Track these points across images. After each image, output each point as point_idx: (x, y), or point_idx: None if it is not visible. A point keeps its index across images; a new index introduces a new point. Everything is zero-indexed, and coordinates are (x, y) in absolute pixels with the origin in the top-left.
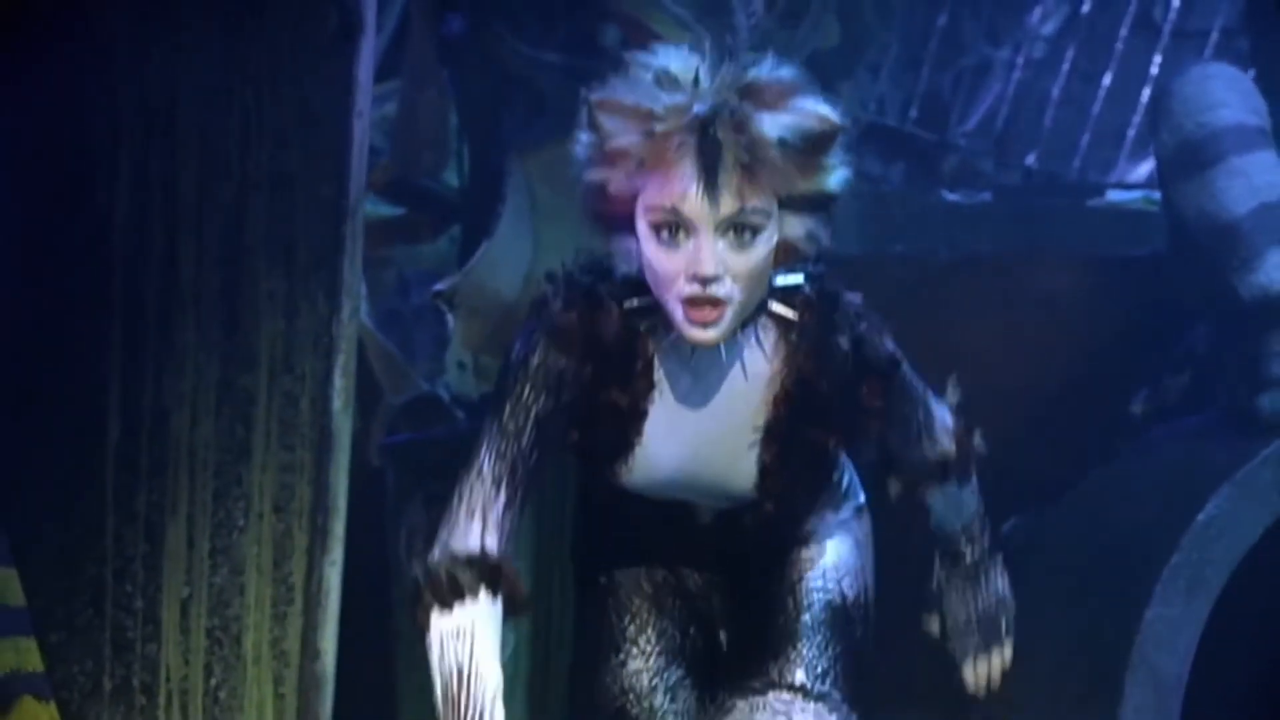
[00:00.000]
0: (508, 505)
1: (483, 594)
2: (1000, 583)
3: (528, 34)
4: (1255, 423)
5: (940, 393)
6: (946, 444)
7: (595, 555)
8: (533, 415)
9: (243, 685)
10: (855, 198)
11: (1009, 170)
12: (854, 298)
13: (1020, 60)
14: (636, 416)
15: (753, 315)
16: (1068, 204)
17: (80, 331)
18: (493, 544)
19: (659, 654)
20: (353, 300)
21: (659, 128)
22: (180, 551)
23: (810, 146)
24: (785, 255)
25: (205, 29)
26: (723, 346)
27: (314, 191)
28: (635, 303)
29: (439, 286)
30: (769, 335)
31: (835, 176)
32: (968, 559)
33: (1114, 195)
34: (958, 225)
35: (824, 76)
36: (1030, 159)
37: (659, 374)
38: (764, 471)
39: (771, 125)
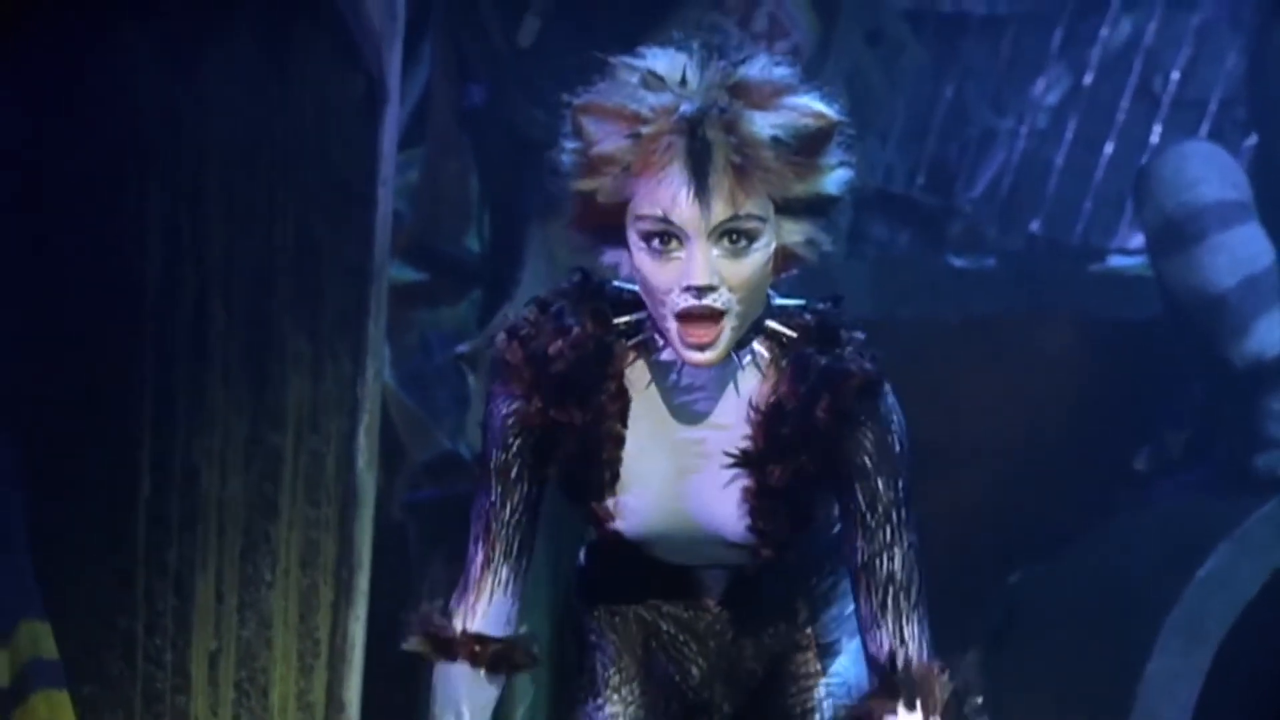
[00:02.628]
0: (500, 584)
1: (467, 665)
2: None
3: (546, 103)
4: (1253, 480)
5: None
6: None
7: (592, 614)
8: (511, 478)
9: None
10: (864, 262)
11: (1013, 236)
12: (858, 335)
13: (1024, 129)
14: (610, 441)
15: (748, 335)
16: (1070, 269)
17: (112, 392)
18: (480, 625)
19: (639, 705)
20: (377, 362)
21: (645, 130)
22: (209, 606)
23: (806, 146)
24: (784, 263)
25: (234, 97)
26: (714, 367)
27: (339, 256)
28: (625, 319)
29: (461, 348)
30: (764, 357)
31: (834, 177)
32: None
33: (1115, 260)
34: (964, 289)
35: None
36: (1034, 225)
37: (639, 394)
38: (751, 510)
39: (764, 124)
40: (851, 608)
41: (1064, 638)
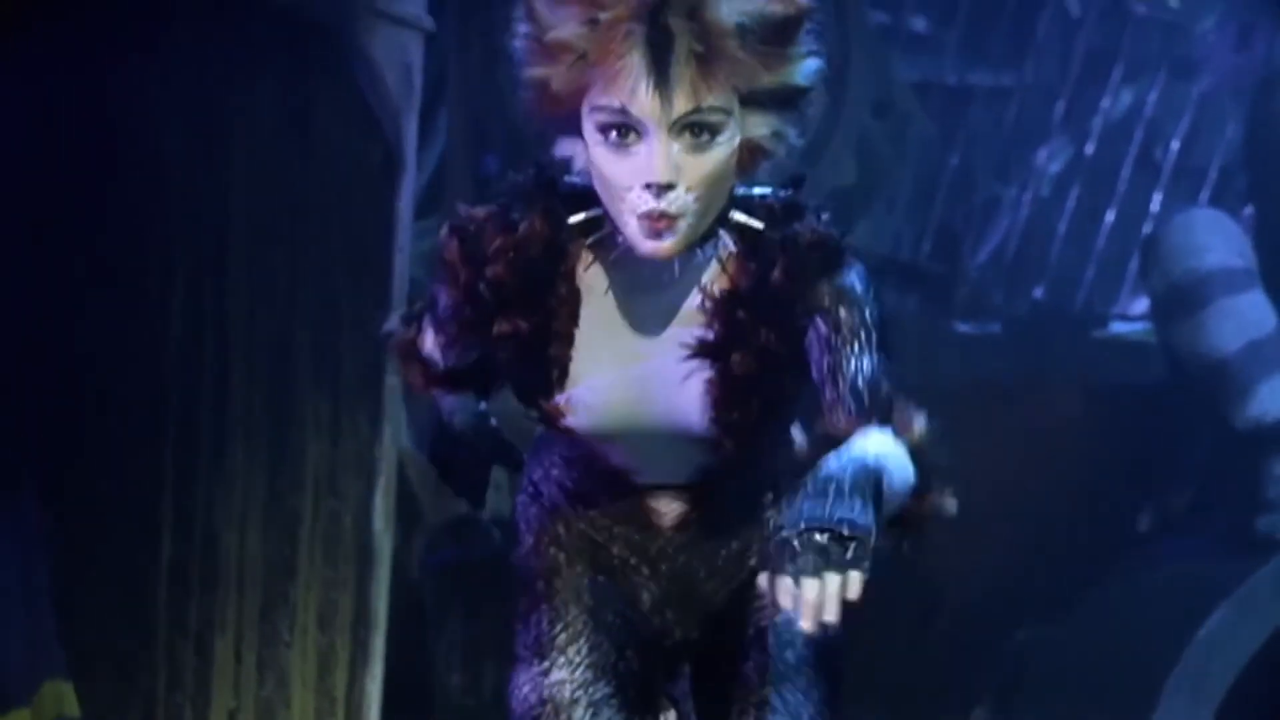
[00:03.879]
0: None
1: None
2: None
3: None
4: (1253, 542)
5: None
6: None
7: (537, 548)
8: (454, 350)
9: None
10: None
11: (1017, 302)
12: (823, 219)
13: (1028, 198)
14: (558, 339)
15: (713, 228)
16: (1073, 334)
17: (135, 456)
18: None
19: (586, 667)
20: (394, 425)
21: (603, 16)
22: (229, 665)
23: (773, 34)
24: (749, 157)
25: (256, 166)
26: (677, 261)
27: (358, 322)
28: (581, 216)
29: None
30: (729, 249)
31: (803, 67)
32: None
33: (1117, 326)
34: (970, 354)
35: (842, 212)
36: (1037, 291)
37: (596, 294)
38: (715, 401)
39: (729, 11)
40: None
41: (1069, 695)
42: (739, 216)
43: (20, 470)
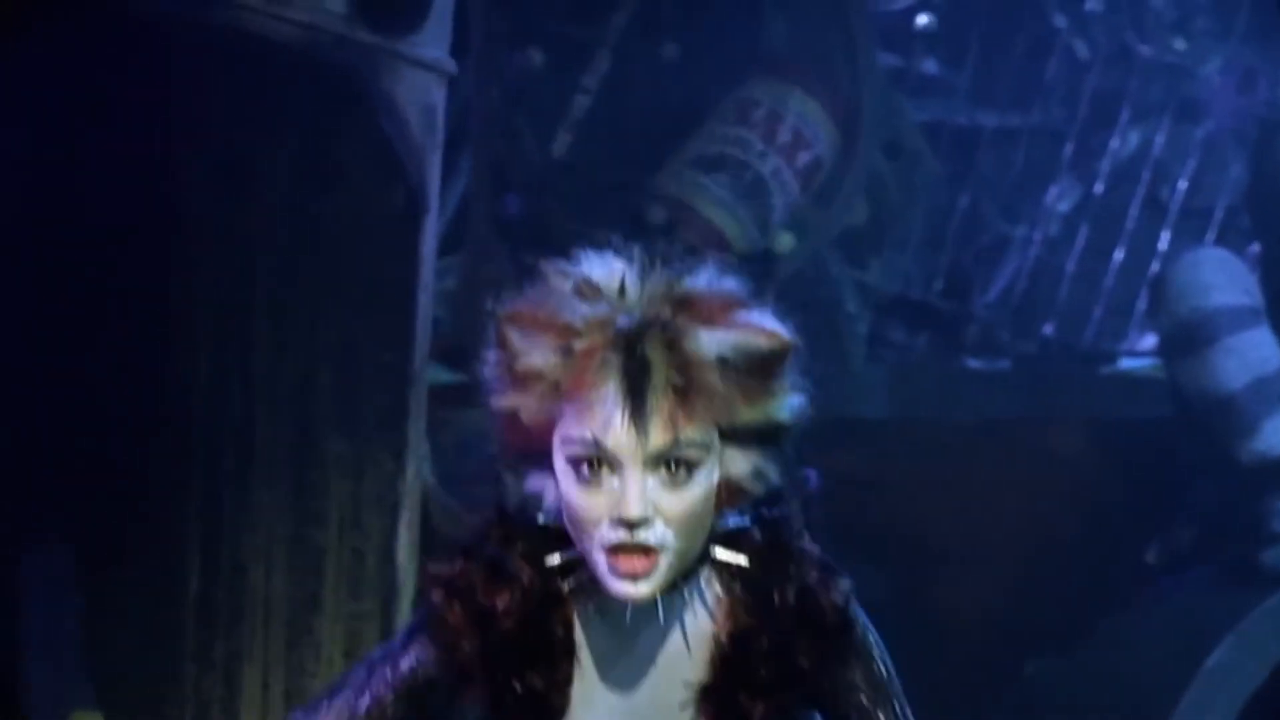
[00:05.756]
0: None
1: None
2: None
3: (580, 213)
4: (1259, 575)
5: None
6: None
7: None
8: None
9: None
10: (882, 365)
11: (1027, 339)
12: (811, 546)
13: (1037, 237)
14: (559, 689)
15: (695, 566)
16: (1082, 371)
17: (162, 493)
18: None
19: None
20: (417, 460)
21: (578, 344)
22: (256, 696)
23: (756, 368)
24: (728, 495)
25: (279, 206)
26: (660, 603)
27: (380, 359)
28: (557, 559)
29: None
30: (713, 587)
31: (786, 404)
32: None
33: (1125, 363)
34: (979, 391)
35: (854, 252)
36: (1047, 329)
37: (583, 643)
38: None
39: (710, 342)
40: None
41: None
42: (721, 554)
43: (48, 507)
